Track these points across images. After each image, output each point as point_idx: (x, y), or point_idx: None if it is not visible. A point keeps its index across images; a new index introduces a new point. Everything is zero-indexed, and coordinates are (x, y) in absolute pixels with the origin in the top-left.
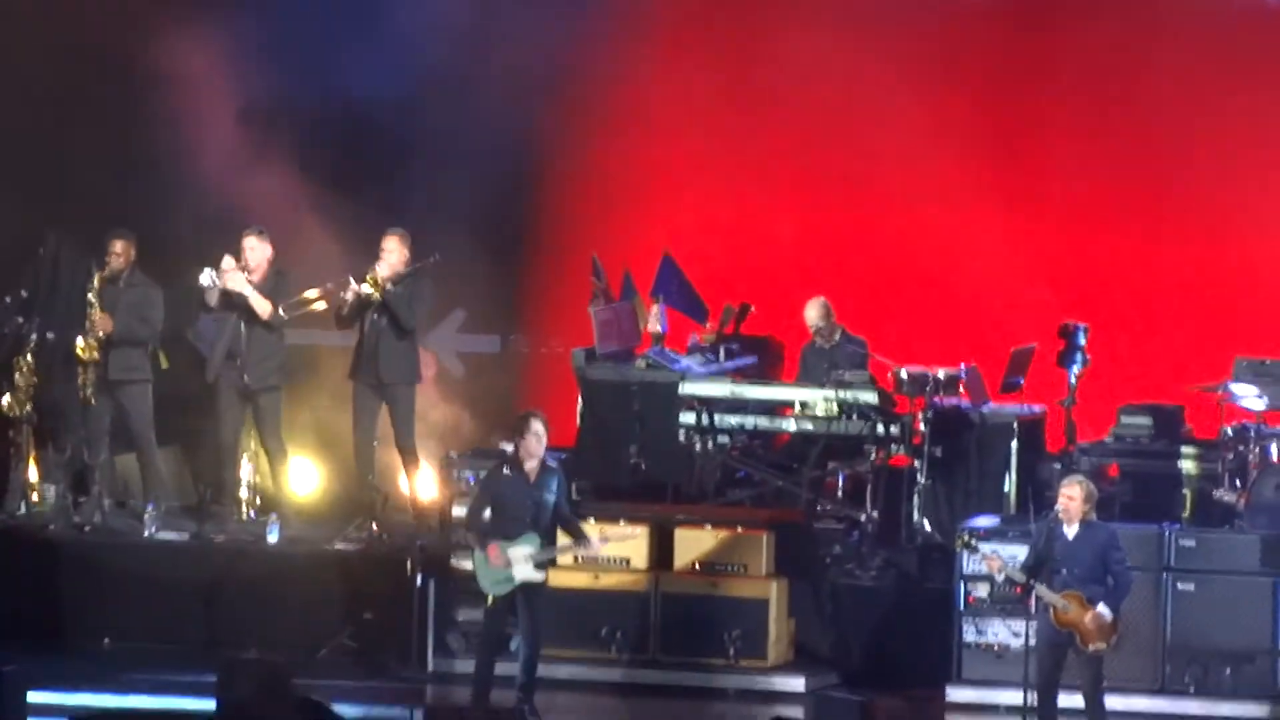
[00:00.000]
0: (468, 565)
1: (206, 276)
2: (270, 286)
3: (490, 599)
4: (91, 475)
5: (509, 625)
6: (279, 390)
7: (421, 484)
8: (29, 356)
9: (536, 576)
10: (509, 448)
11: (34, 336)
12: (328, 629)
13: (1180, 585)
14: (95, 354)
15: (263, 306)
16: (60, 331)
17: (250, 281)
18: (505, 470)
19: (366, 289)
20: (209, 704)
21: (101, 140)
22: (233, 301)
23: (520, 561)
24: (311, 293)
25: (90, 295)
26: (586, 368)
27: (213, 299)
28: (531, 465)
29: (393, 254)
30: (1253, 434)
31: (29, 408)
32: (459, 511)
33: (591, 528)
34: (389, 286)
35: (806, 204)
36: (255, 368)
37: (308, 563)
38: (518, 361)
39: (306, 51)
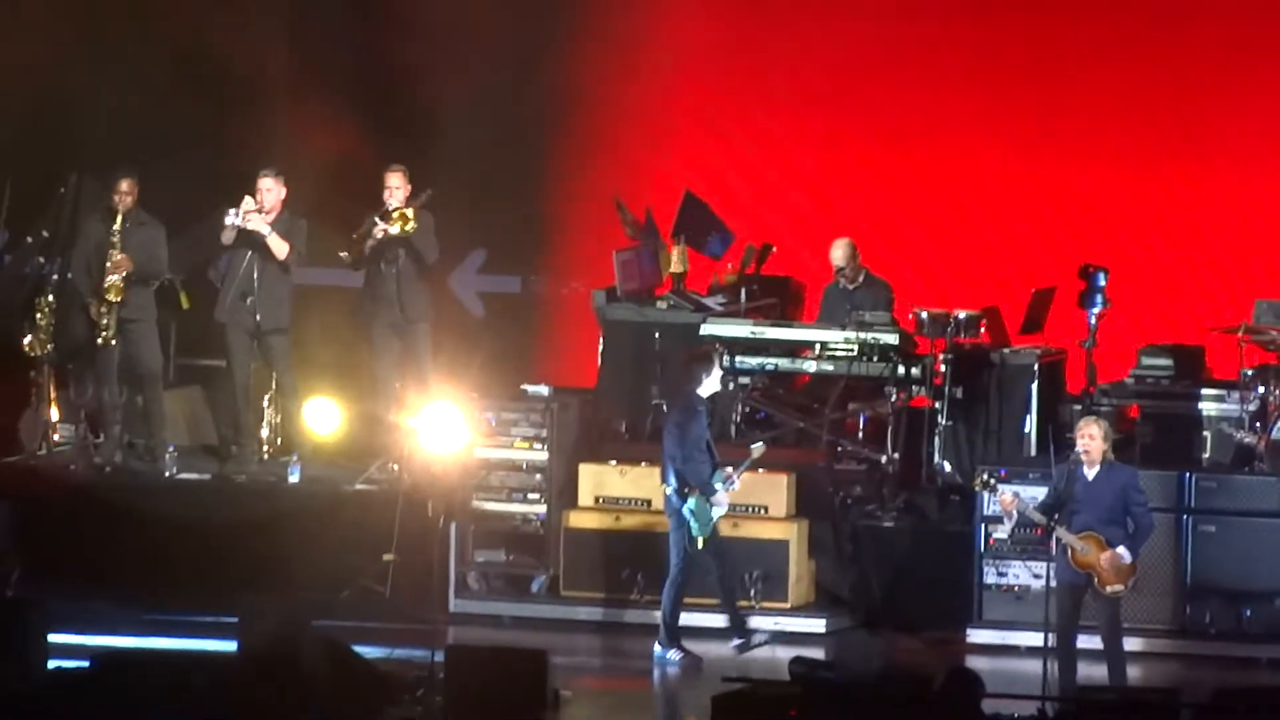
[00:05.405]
0: (489, 506)
1: (231, 215)
2: (284, 229)
3: (701, 542)
4: (109, 416)
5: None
6: (288, 332)
7: (441, 423)
8: (50, 297)
9: (725, 509)
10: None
11: (55, 277)
12: (349, 570)
13: (1201, 527)
14: (122, 295)
15: (280, 248)
16: (81, 272)
17: (267, 223)
18: (698, 408)
19: (395, 230)
20: (230, 645)
21: (120, 79)
22: (250, 241)
23: (720, 500)
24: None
25: (114, 236)
26: (607, 308)
27: (228, 238)
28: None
29: (400, 190)
30: (1273, 375)
31: (50, 348)
32: (484, 454)
33: (612, 469)
34: None
35: (830, 143)
36: (267, 308)
37: (329, 503)
38: (538, 302)
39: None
